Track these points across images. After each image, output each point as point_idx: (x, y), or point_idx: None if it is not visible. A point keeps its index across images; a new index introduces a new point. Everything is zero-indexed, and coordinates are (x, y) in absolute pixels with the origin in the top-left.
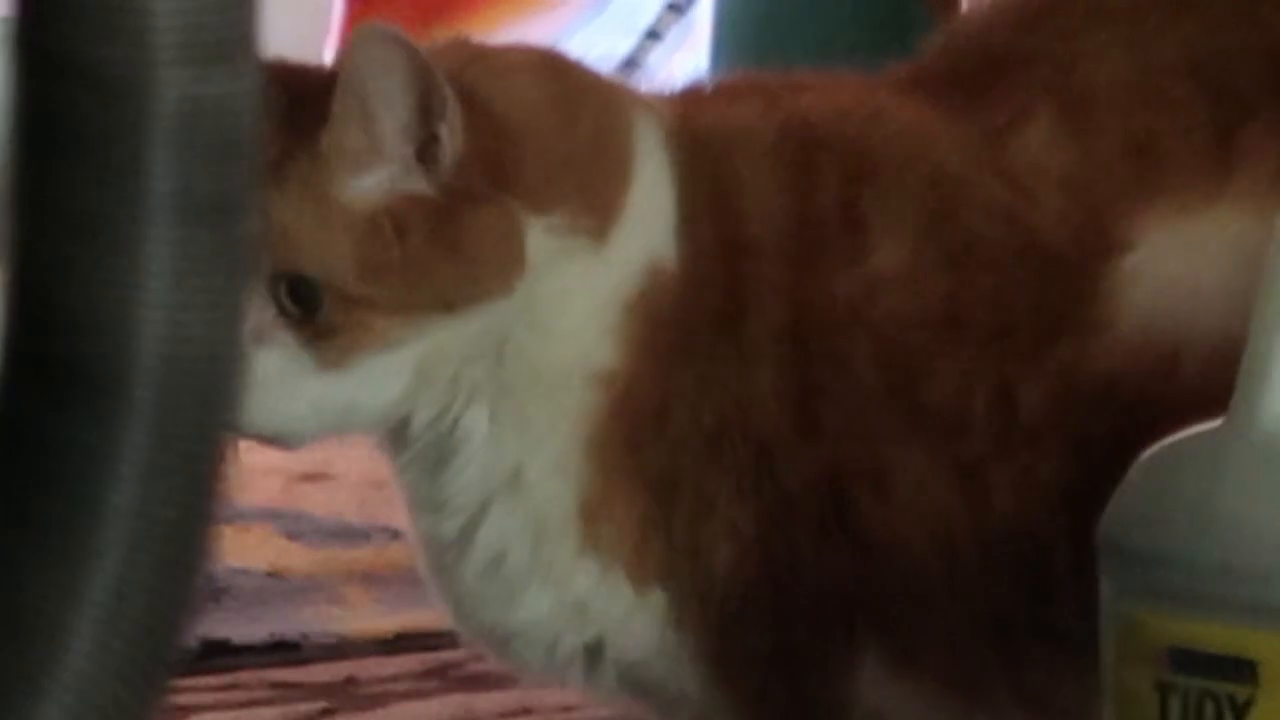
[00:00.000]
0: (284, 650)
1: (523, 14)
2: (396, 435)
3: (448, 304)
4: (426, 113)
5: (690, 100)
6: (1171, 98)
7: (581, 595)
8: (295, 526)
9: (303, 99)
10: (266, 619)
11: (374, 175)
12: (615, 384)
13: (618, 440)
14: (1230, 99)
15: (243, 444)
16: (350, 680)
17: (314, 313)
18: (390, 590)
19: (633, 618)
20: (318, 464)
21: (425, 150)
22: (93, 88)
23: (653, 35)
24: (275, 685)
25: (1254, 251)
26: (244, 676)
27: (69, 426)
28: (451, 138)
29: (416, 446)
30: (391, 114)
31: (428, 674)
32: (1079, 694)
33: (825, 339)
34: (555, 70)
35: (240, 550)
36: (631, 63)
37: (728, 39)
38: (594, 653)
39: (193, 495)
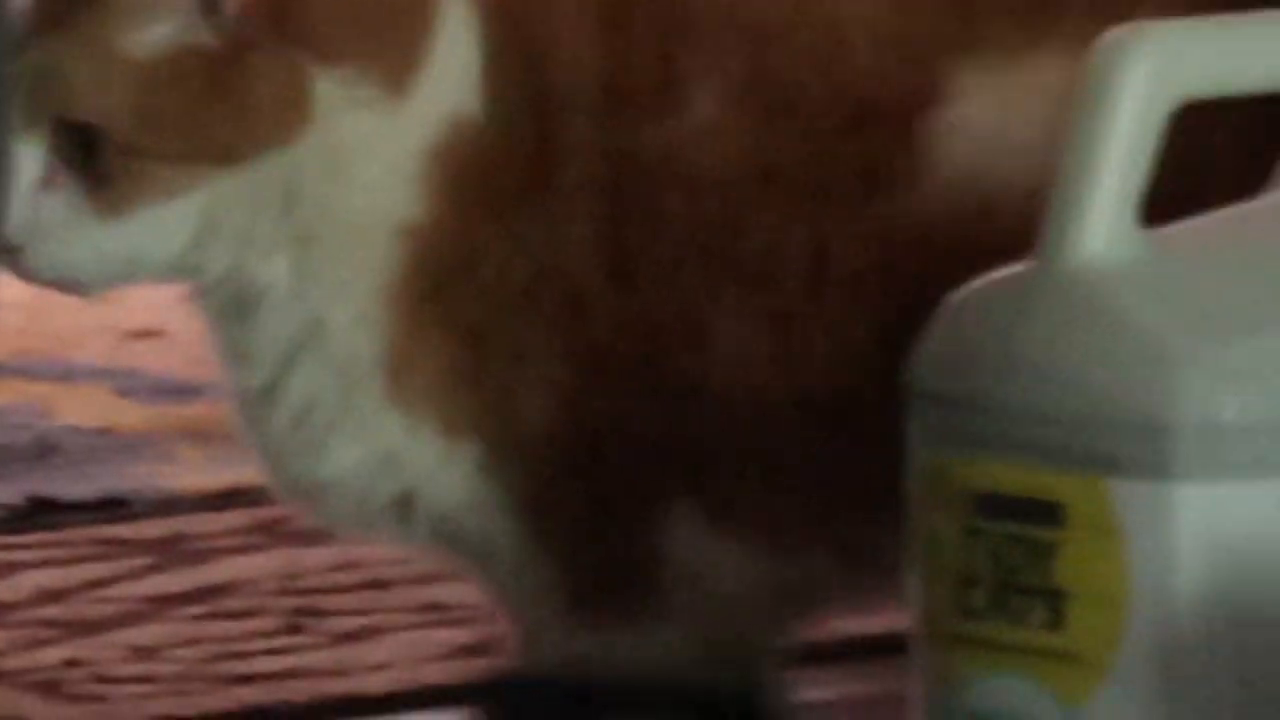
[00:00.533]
0: (112, 507)
1: None
2: (198, 288)
3: (228, 154)
4: None
5: None
6: None
7: (390, 446)
8: (127, 384)
9: None
10: (96, 476)
11: (156, 25)
12: (418, 235)
13: (423, 291)
14: None
15: (72, 303)
16: (179, 536)
17: (95, 160)
18: (221, 447)
19: (443, 468)
20: (150, 321)
21: (207, 1)
22: None
23: None
24: (103, 541)
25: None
26: (72, 534)
27: None
28: None
29: (218, 298)
30: None
31: (256, 529)
32: (894, 544)
33: (639, 192)
34: None
35: (71, 408)
36: None
37: None
38: (405, 505)
39: None
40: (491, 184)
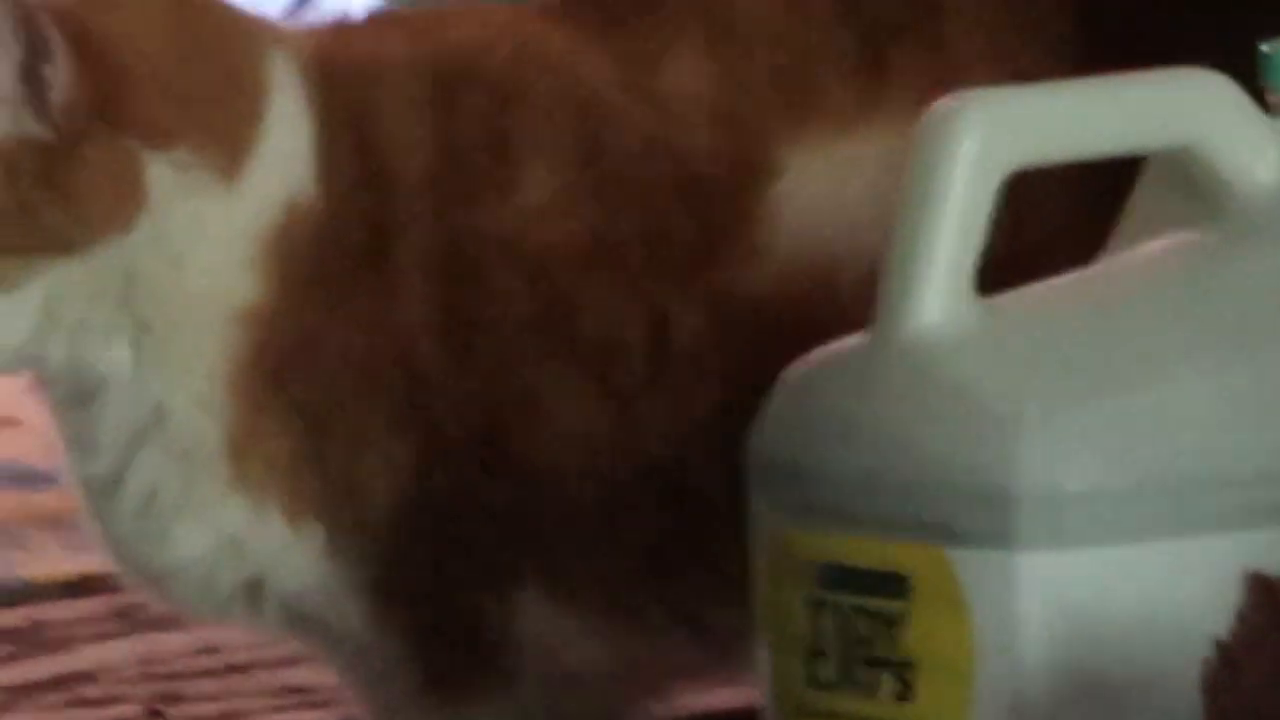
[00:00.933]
0: None
1: None
2: (40, 377)
3: (64, 244)
4: (33, 55)
5: (337, 34)
6: (818, 20)
7: (234, 531)
8: None
9: None
10: None
11: None
12: (255, 319)
13: (262, 375)
14: (876, 19)
15: None
16: (35, 624)
17: None
18: (77, 534)
19: (289, 552)
20: (2, 409)
21: (34, 93)
22: None
23: None
24: None
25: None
26: None
27: None
28: (58, 78)
29: (60, 387)
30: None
31: (113, 616)
32: (739, 615)
33: (474, 271)
34: (180, 4)
35: None
36: (302, 3)
37: None
38: (254, 589)
39: None
40: (326, 266)
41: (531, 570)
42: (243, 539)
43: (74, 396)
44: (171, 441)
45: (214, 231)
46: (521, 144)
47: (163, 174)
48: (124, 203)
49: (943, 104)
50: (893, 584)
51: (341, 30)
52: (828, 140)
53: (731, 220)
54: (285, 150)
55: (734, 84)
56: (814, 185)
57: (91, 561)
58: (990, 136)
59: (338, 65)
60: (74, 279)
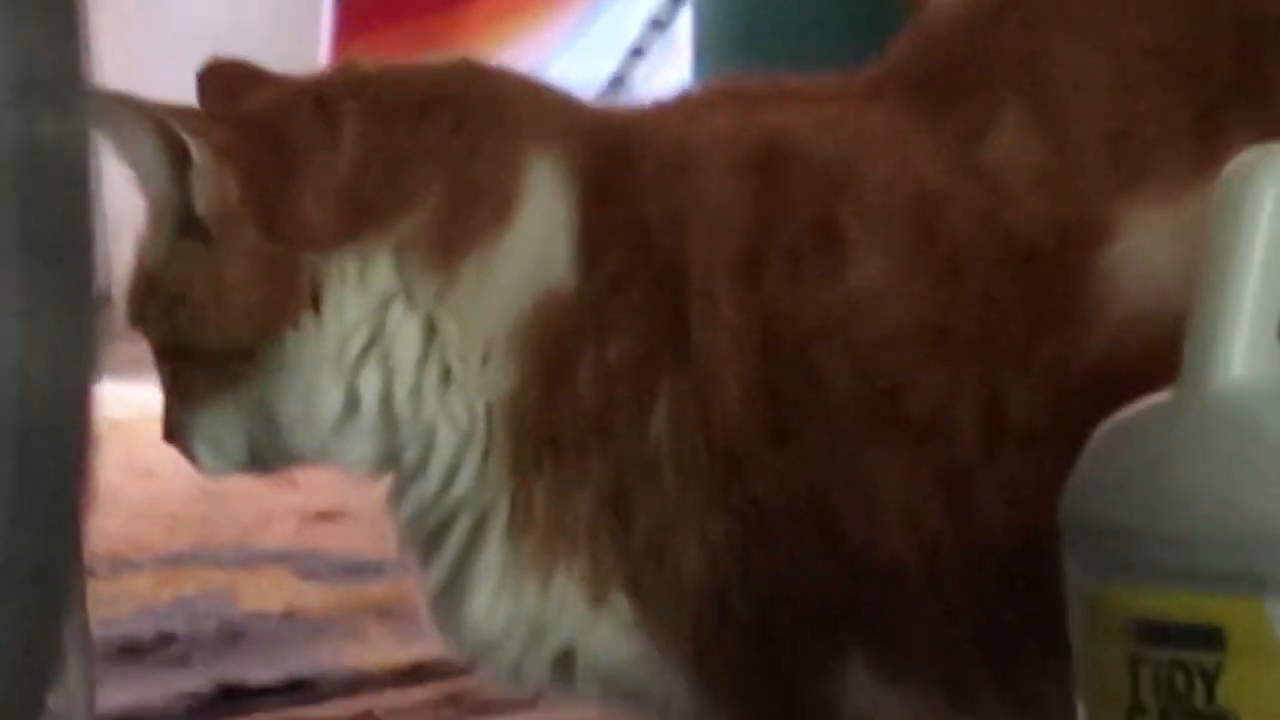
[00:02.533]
0: (301, 689)
1: (509, 38)
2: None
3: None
4: (176, 166)
5: (642, 116)
6: (1144, 82)
7: (532, 606)
8: (310, 566)
9: None
10: (283, 660)
11: (157, 238)
12: (516, 406)
13: (531, 457)
14: (1204, 77)
15: (255, 489)
16: (367, 714)
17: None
18: (406, 622)
19: (594, 626)
20: (331, 502)
21: (181, 199)
22: None
23: (637, 53)
24: None
25: None
26: (261, 718)
27: None
28: (203, 185)
29: (381, 478)
30: (147, 175)
31: (444, 703)
32: (1064, 685)
33: (796, 353)
34: (451, 98)
35: (255, 593)
36: (618, 81)
37: (710, 50)
38: (565, 663)
39: (53, 540)
40: (597, 351)
41: (858, 647)
42: (542, 614)
43: (393, 489)
44: (459, 525)
45: (450, 326)
46: (851, 228)
47: (387, 262)
48: (280, 301)
49: (1246, 156)
50: (1209, 637)
51: (647, 113)
52: (1160, 203)
53: (1065, 290)
54: (535, 242)
55: (1062, 151)
56: (1147, 249)
57: (421, 650)
58: None
59: (628, 152)
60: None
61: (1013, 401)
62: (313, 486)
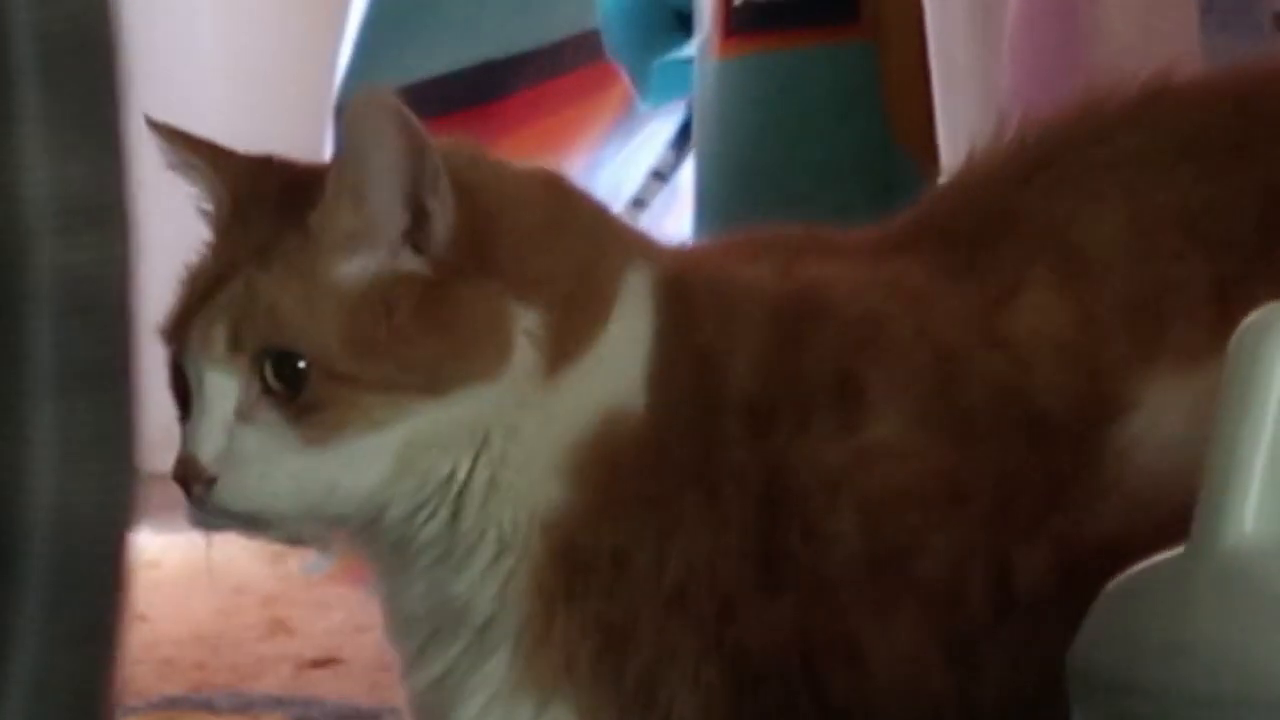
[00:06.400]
0: None
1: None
2: (362, 533)
3: (433, 384)
4: (418, 184)
5: (702, 252)
6: (1166, 252)
7: None
8: (305, 713)
9: (292, 184)
10: None
11: (363, 256)
12: (561, 525)
13: (563, 580)
14: (1225, 248)
15: (251, 634)
16: None
17: (299, 389)
18: None
19: None
20: (328, 649)
21: (416, 226)
22: None
23: (638, 203)
24: None
25: None
26: None
27: None
28: (443, 212)
29: (382, 547)
30: (383, 188)
31: None
32: None
33: (801, 504)
34: (556, 186)
35: None
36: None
37: (711, 201)
38: None
39: (90, 666)
40: (647, 480)
41: None
42: None
43: (392, 564)
44: (467, 628)
45: (528, 429)
46: (872, 385)
47: (520, 339)
48: (493, 347)
49: (1259, 314)
50: None
51: (701, 250)
52: (1178, 375)
53: (1081, 459)
54: (618, 358)
55: (1084, 320)
56: (1164, 420)
57: None
58: None
59: (694, 283)
60: (434, 424)
61: (1021, 571)
62: (308, 634)
